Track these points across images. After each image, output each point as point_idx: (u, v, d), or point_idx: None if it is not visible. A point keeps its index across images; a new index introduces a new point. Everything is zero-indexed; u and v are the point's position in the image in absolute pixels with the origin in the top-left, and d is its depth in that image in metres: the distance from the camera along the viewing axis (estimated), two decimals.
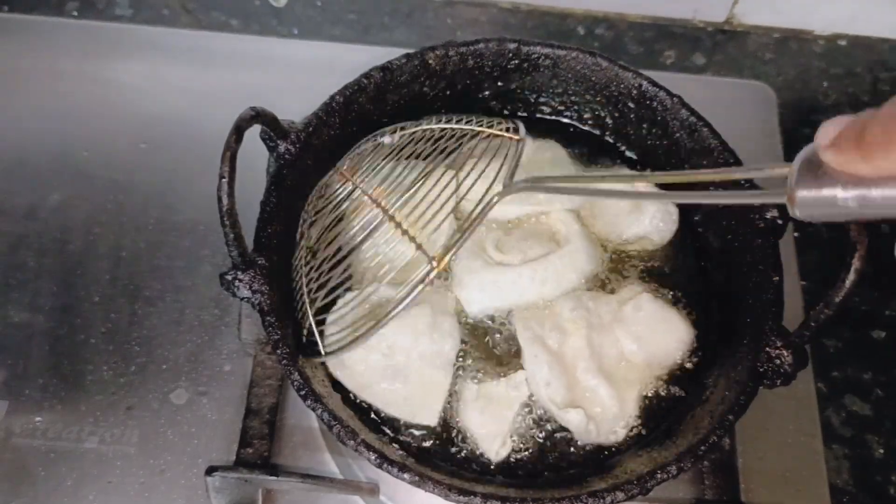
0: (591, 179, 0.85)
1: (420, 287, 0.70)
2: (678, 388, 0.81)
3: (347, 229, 0.81)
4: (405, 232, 0.76)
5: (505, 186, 0.75)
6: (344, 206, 0.82)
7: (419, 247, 0.74)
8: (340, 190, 0.81)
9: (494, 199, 0.74)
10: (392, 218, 0.77)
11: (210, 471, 0.83)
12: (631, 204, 0.88)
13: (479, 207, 0.74)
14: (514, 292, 0.82)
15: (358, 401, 0.79)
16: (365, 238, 0.79)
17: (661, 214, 0.88)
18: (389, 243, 0.77)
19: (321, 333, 0.76)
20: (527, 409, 0.79)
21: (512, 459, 0.78)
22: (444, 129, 0.82)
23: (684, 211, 0.89)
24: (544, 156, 0.91)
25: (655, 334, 0.81)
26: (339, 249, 0.78)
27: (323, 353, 0.75)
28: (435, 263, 0.71)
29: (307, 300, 0.76)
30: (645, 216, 0.87)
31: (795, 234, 1.08)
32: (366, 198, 0.79)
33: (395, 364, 0.79)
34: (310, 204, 0.82)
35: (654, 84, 0.88)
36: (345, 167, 0.82)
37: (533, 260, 0.83)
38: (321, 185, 0.83)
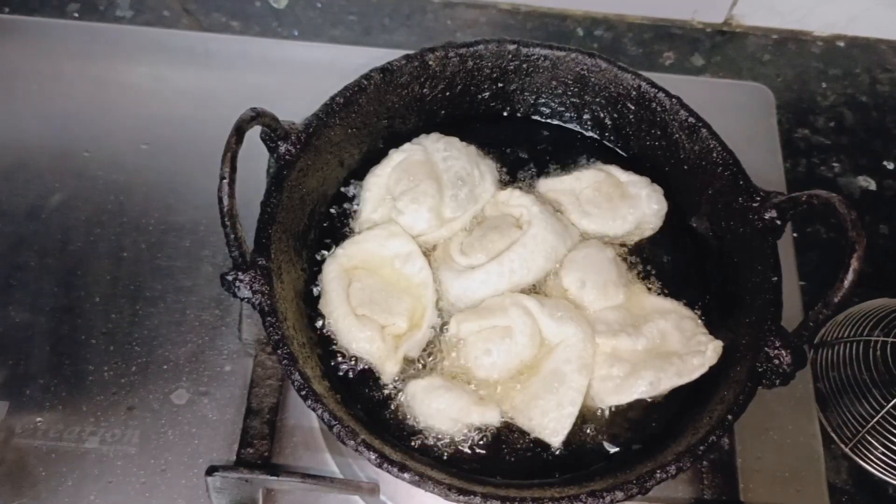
0: None
1: None
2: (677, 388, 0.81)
3: None
4: None
5: None
6: None
7: None
8: None
9: None
10: None
11: (210, 471, 0.83)
12: (621, 191, 0.89)
13: None
14: (487, 290, 0.83)
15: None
16: None
17: (654, 195, 0.89)
18: None
19: None
20: None
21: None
22: None
23: (684, 212, 0.90)
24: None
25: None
26: None
27: None
28: None
29: None
30: (640, 200, 0.88)
31: (794, 235, 1.08)
32: None
33: None
34: None
35: (654, 85, 0.89)
36: None
37: (498, 254, 0.84)
38: None
